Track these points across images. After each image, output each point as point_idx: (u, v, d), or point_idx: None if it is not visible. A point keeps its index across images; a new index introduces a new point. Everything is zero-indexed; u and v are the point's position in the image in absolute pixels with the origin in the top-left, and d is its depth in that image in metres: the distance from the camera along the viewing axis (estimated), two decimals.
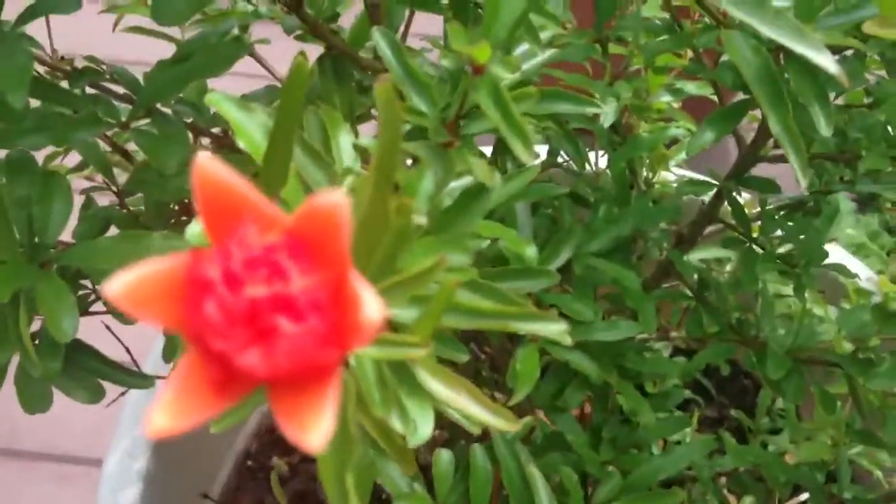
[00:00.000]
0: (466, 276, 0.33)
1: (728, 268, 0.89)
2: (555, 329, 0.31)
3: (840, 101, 0.63)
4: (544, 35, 0.51)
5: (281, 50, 0.59)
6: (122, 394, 0.67)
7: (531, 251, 0.43)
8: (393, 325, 0.31)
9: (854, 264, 0.97)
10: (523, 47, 0.49)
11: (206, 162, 0.19)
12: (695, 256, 0.79)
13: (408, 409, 0.33)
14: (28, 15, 0.47)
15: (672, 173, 0.83)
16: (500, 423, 0.28)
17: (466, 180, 0.39)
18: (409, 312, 0.30)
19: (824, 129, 0.40)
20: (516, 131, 0.31)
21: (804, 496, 0.86)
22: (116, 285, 0.18)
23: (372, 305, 0.18)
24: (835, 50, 0.46)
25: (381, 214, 0.26)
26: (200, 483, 0.94)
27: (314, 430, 0.18)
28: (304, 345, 0.18)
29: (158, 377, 0.57)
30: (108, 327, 0.63)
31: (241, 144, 0.35)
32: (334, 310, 0.19)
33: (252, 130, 0.35)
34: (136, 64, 0.54)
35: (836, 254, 0.94)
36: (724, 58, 0.61)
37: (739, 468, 0.81)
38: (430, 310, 0.27)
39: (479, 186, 0.39)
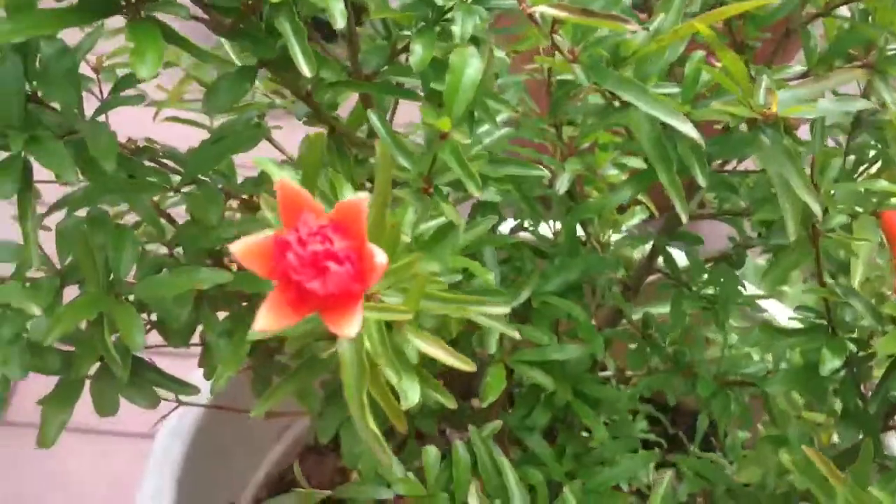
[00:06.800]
0: (437, 279, 0.47)
1: None
2: (499, 310, 0.45)
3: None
4: (501, 118, 0.66)
5: (290, 135, 0.75)
6: (164, 417, 0.80)
7: (491, 277, 0.58)
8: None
9: (775, 307, 1.12)
10: (485, 127, 0.64)
11: (287, 181, 0.33)
12: (648, 309, 0.92)
13: (402, 374, 0.47)
14: (104, 107, 0.62)
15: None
16: (461, 364, 0.41)
17: (441, 220, 0.53)
18: (395, 298, 0.44)
19: (701, 181, 0.55)
20: (469, 175, 0.46)
21: None
22: (238, 245, 0.33)
23: (380, 256, 0.33)
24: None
25: (380, 225, 0.40)
26: None
27: (349, 326, 0.32)
28: (343, 279, 0.33)
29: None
30: (151, 360, 0.76)
31: None
32: (359, 261, 0.33)
33: None
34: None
35: (769, 303, 1.10)
36: None
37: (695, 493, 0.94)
38: (414, 289, 0.41)
39: (449, 224, 0.54)
